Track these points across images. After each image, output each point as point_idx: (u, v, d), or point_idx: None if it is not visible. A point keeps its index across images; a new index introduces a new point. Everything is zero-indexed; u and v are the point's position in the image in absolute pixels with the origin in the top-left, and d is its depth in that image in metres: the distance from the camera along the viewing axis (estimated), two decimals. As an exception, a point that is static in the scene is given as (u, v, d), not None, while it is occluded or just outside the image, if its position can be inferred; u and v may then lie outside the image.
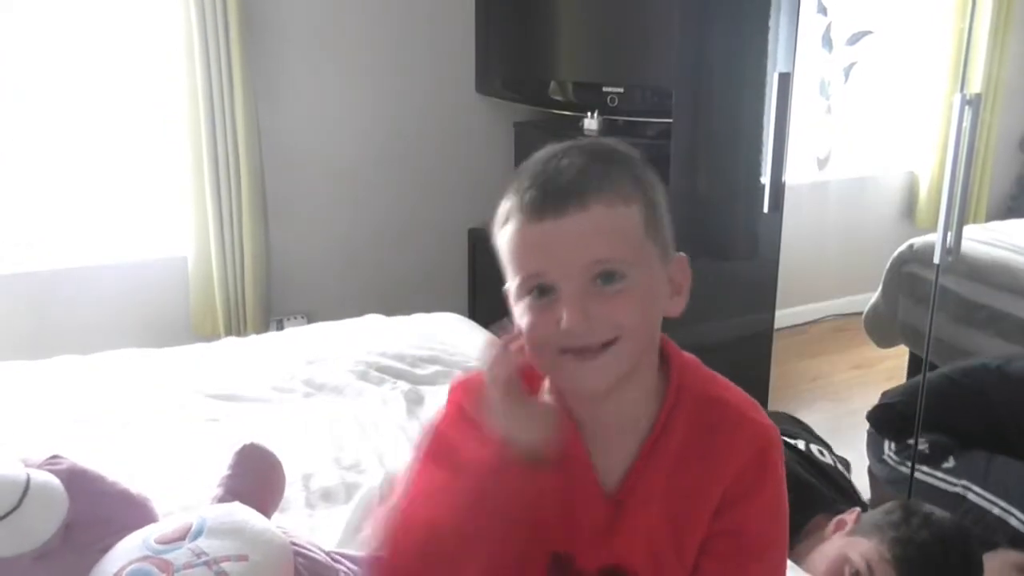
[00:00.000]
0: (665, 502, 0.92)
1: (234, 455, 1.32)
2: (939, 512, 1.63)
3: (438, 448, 0.92)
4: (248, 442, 1.34)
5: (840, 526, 1.66)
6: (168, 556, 1.02)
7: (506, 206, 0.89)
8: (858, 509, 1.71)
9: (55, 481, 1.16)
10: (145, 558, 1.03)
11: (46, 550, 1.11)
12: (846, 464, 2.13)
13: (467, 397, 0.90)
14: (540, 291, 0.87)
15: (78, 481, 1.18)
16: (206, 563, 1.01)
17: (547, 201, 0.85)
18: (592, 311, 0.85)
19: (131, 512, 1.20)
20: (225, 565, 1.02)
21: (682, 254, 0.93)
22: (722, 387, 0.97)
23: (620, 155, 0.90)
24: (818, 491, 1.82)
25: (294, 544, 1.12)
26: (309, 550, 1.13)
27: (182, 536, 1.05)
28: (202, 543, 1.04)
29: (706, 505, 0.92)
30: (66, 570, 1.11)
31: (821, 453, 1.96)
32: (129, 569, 1.02)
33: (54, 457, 1.21)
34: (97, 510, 1.17)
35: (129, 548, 1.07)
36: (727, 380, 0.99)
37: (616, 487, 0.94)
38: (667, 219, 0.92)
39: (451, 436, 0.92)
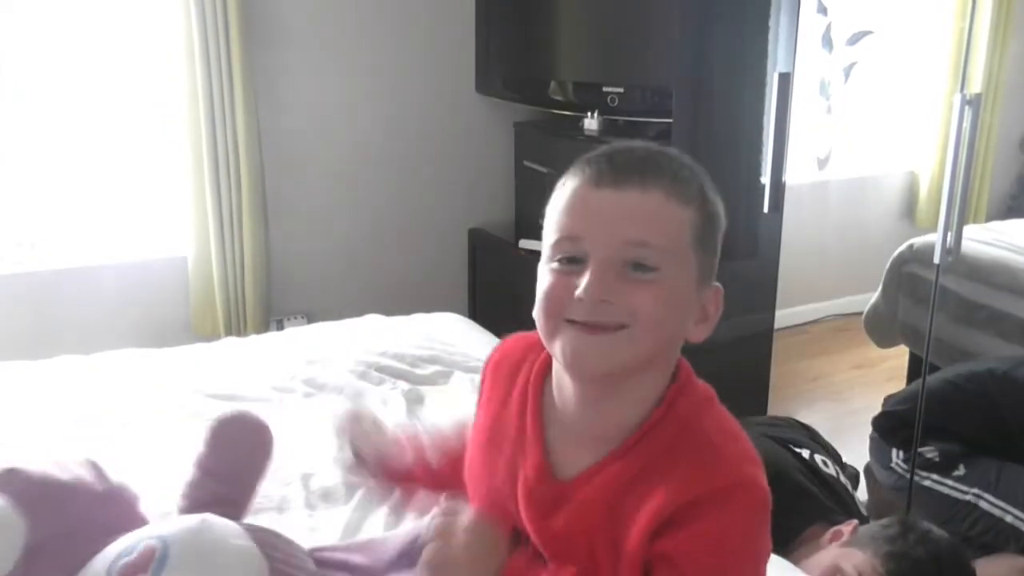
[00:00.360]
0: (611, 505, 0.90)
1: (208, 430, 1.22)
2: (937, 530, 1.62)
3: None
4: (222, 414, 1.24)
5: (837, 536, 1.66)
6: None
7: (569, 174, 0.90)
8: (856, 521, 1.70)
9: (6, 508, 1.05)
10: None
11: None
12: (855, 477, 2.11)
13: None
14: (569, 261, 0.87)
15: (35, 497, 1.08)
16: None
17: (610, 170, 0.87)
18: (613, 289, 0.85)
19: (104, 512, 1.12)
20: None
21: (719, 286, 0.93)
22: (717, 428, 0.92)
23: (693, 166, 0.92)
24: (818, 500, 1.81)
25: (272, 557, 1.07)
26: (288, 564, 1.07)
27: (145, 567, 0.99)
28: None
29: (648, 519, 0.87)
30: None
31: (825, 464, 1.95)
32: None
33: (9, 471, 1.09)
34: (63, 523, 1.08)
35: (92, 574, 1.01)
36: (733, 428, 0.93)
37: (571, 478, 0.93)
38: (718, 249, 0.92)
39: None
